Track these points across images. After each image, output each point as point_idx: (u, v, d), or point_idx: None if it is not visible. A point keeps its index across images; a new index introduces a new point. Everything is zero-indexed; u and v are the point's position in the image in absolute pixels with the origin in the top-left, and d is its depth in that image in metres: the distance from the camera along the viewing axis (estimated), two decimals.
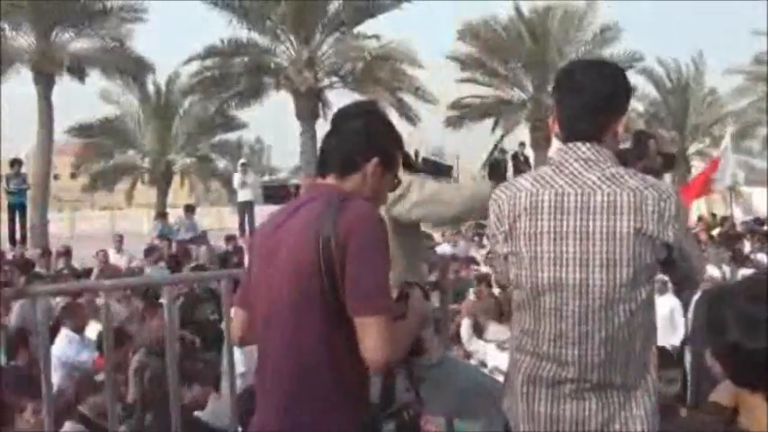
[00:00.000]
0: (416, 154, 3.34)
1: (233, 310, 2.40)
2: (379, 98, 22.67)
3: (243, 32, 22.42)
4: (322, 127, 22.49)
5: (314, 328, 2.01)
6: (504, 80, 25.22)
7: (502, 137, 23.17)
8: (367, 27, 22.97)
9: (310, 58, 22.17)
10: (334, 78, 23.00)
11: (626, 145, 2.38)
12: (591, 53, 24.27)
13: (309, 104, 22.19)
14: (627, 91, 2.24)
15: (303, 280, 2.01)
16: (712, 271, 7.80)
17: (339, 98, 22.21)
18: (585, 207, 2.09)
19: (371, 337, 1.95)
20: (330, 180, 2.17)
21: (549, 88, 23.94)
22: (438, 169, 3.25)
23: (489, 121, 25.22)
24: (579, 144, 2.15)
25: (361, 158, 2.15)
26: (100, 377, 4.73)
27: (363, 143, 2.17)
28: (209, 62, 22.62)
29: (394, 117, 23.68)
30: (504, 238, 2.20)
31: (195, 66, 22.62)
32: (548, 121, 2.30)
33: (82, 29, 21.67)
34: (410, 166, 3.20)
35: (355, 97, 23.00)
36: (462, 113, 25.12)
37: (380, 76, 22.45)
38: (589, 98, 2.15)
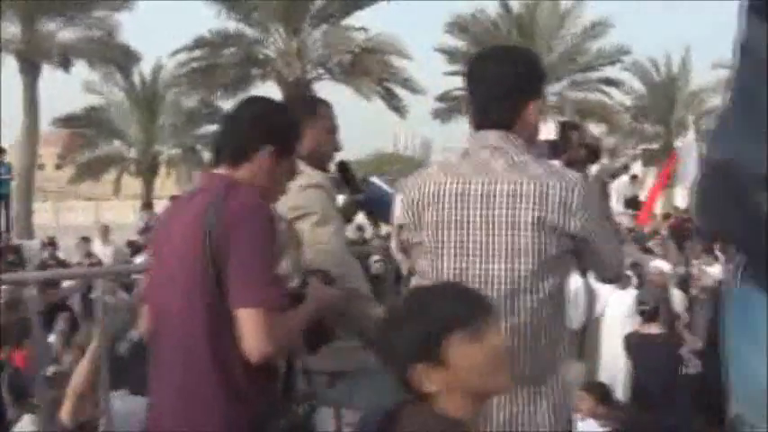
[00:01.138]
0: (364, 180, 3.29)
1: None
2: (367, 89, 22.78)
3: (231, 24, 22.36)
4: None
5: (201, 323, 1.97)
6: None
7: None
8: (355, 19, 22.99)
9: (299, 50, 22.10)
10: (322, 70, 22.96)
11: (551, 136, 2.33)
12: (579, 47, 24.32)
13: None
14: (538, 76, 2.17)
15: (190, 273, 1.97)
16: (662, 265, 7.82)
17: (327, 90, 22.22)
18: (490, 196, 2.03)
19: (248, 331, 1.91)
20: (222, 170, 2.12)
21: None
22: (377, 198, 3.10)
23: None
24: (488, 132, 2.10)
25: (252, 147, 2.11)
26: None
27: (254, 131, 2.13)
28: (196, 53, 22.54)
29: (382, 108, 23.74)
30: (414, 227, 2.15)
31: (182, 56, 22.56)
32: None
33: (68, 18, 21.50)
34: (350, 182, 3.18)
35: (343, 89, 23.10)
36: (450, 106, 25.11)
37: (369, 68, 22.42)
38: (496, 85, 2.10)
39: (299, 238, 2.69)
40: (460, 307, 1.64)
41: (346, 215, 3.38)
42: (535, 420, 2.07)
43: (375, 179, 3.41)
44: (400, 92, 23.17)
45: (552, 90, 24.10)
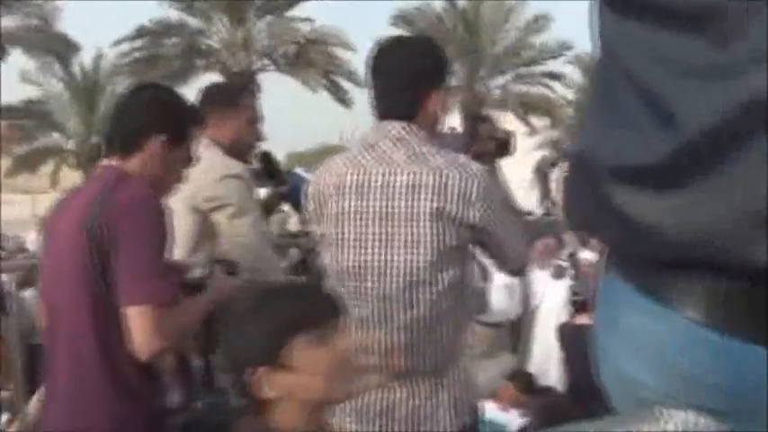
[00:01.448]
0: (288, 171, 3.26)
1: None
2: (314, 81, 22.71)
3: (173, 13, 22.05)
4: None
5: (87, 318, 1.92)
6: None
7: None
8: (300, 10, 22.87)
9: (244, 40, 21.91)
10: (267, 61, 22.80)
11: (459, 129, 2.35)
12: (523, 42, 24.56)
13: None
14: (440, 65, 2.15)
15: (75, 267, 1.92)
16: (591, 255, 7.94)
17: (272, 81, 22.12)
18: (389, 187, 2.02)
19: (136, 328, 1.87)
20: (114, 161, 2.07)
21: (481, 74, 24.34)
22: (300, 189, 3.10)
23: None
24: (391, 122, 2.08)
25: (142, 136, 2.05)
26: None
27: (144, 119, 2.08)
28: (138, 43, 22.18)
29: (328, 100, 23.67)
30: (317, 219, 2.14)
31: (124, 47, 22.18)
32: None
33: (5, 5, 20.93)
34: (273, 174, 3.15)
35: (288, 80, 22.98)
36: None
37: (314, 60, 22.34)
38: (398, 75, 2.08)
39: (215, 229, 2.66)
40: (308, 308, 1.55)
41: (269, 207, 3.35)
42: (437, 413, 2.07)
43: (299, 170, 3.39)
44: (345, 84, 23.16)
45: (496, 84, 24.38)
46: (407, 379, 2.05)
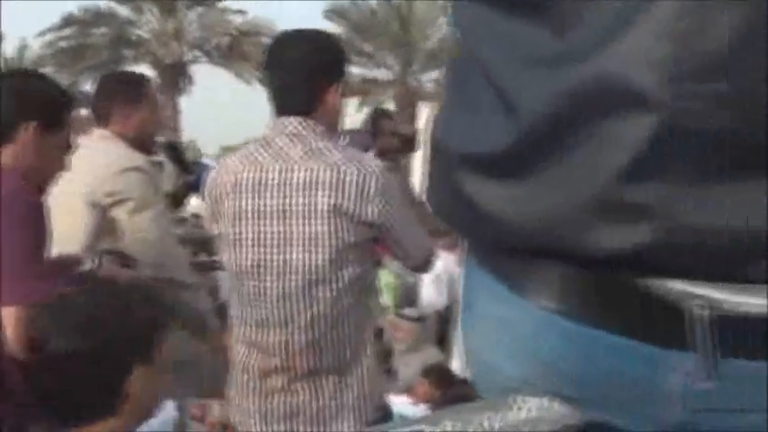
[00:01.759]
0: (195, 162, 3.21)
1: None
2: (248, 74, 22.43)
3: (102, 2, 21.52)
4: (186, 102, 22.07)
5: None
6: (371, 60, 25.33)
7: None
8: (232, 2, 22.60)
9: (176, 31, 21.52)
10: (199, 53, 22.45)
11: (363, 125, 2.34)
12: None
13: (174, 79, 21.56)
14: (337, 58, 2.14)
15: None
16: None
17: (205, 73, 21.77)
18: (286, 184, 2.00)
19: (11, 331, 1.80)
20: None
21: (414, 68, 24.42)
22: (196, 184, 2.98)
23: (355, 100, 25.33)
24: (288, 118, 2.06)
25: (12, 126, 1.98)
26: None
27: (12, 108, 2.00)
28: (65, 32, 21.57)
29: (262, 93, 23.37)
30: (215, 219, 2.11)
31: (50, 36, 21.55)
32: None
33: None
34: (180, 164, 3.09)
35: (221, 72, 22.66)
36: None
37: (247, 52, 22.06)
38: (295, 70, 2.06)
39: (115, 225, 2.60)
40: None
41: (178, 198, 3.29)
42: (342, 413, 2.06)
43: (207, 160, 3.34)
44: None
45: (429, 77, 24.46)
46: (311, 380, 2.04)
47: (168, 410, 2.87)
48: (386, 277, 5.37)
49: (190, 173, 3.15)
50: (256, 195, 2.02)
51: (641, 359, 0.69)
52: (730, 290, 0.66)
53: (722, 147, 0.63)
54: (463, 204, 0.74)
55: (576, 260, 0.69)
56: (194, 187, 3.16)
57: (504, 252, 0.74)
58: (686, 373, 0.68)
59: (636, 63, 0.63)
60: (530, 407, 0.75)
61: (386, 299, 5.58)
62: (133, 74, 3.11)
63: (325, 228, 1.98)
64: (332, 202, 1.97)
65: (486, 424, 0.73)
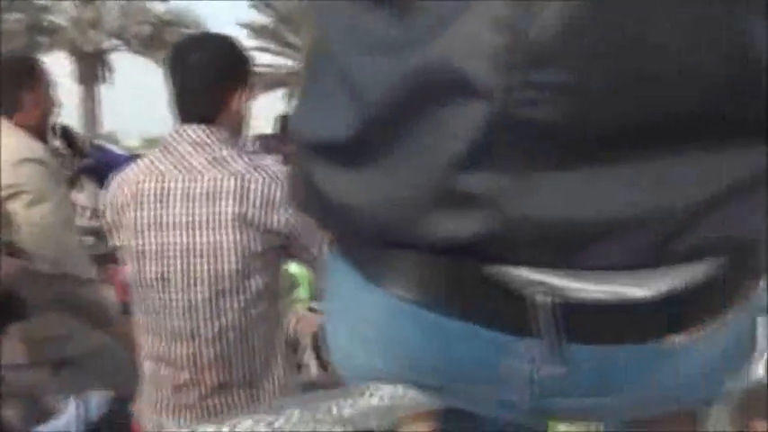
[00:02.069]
0: (91, 144, 3.11)
1: None
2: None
3: None
4: (104, 91, 21.52)
5: None
6: (298, 52, 25.23)
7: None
8: None
9: (95, 19, 20.99)
10: (119, 41, 21.95)
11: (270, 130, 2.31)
12: None
13: (92, 67, 21.06)
14: (240, 63, 2.09)
15: None
16: None
17: (125, 62, 21.28)
18: (190, 194, 1.95)
19: None
20: None
21: None
22: (109, 163, 2.84)
23: (281, 91, 25.22)
24: (191, 126, 1.99)
25: None
26: None
27: None
28: None
29: None
30: (116, 230, 2.04)
31: None
32: None
33: None
34: (74, 147, 2.98)
35: (142, 61, 22.17)
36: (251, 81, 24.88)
37: (169, 41, 21.66)
38: (197, 76, 2.01)
39: (11, 219, 2.50)
40: None
41: (72, 182, 3.17)
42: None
43: (111, 146, 3.22)
44: None
45: None
46: (221, 393, 1.99)
47: (70, 409, 2.81)
48: (301, 269, 5.37)
49: (84, 156, 3.01)
50: (159, 206, 1.96)
51: (489, 346, 0.69)
52: (571, 277, 0.66)
53: (554, 137, 0.63)
54: (315, 194, 0.73)
55: (424, 249, 0.68)
56: (91, 170, 3.03)
57: (359, 241, 0.73)
58: (533, 359, 0.68)
59: (468, 51, 0.62)
60: (382, 394, 0.74)
61: (301, 292, 5.58)
62: (22, 58, 2.96)
63: (231, 237, 1.93)
64: (236, 211, 1.92)
65: (334, 411, 0.72)
